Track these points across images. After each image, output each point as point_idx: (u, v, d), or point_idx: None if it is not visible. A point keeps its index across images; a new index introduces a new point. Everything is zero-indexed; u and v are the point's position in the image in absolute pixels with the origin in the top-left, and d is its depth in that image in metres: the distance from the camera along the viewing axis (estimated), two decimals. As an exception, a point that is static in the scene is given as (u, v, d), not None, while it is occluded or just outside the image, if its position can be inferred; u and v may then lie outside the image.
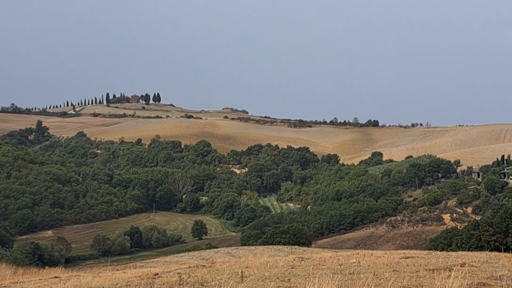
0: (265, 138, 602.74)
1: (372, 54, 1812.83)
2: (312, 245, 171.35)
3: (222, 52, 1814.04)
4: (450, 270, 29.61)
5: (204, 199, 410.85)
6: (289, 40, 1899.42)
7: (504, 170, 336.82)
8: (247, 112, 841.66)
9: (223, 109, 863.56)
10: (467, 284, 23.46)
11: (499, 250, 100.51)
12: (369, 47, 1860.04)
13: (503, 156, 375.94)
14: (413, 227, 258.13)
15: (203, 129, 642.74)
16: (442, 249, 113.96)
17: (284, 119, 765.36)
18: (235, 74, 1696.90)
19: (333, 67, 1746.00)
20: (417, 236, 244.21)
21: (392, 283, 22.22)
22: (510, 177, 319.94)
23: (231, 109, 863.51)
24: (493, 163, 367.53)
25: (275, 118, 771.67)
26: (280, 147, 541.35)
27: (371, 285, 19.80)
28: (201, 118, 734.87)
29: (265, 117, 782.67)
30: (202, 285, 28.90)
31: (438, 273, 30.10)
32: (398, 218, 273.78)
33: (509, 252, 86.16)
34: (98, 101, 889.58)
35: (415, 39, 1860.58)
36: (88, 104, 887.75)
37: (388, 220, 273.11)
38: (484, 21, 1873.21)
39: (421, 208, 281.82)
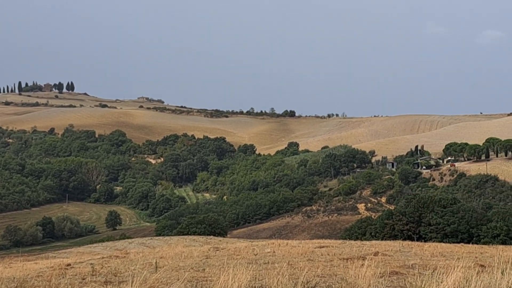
0: (181, 128, 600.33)
1: (286, 44, 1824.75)
2: (228, 235, 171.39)
3: (137, 40, 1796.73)
4: (363, 259, 29.69)
5: (118, 189, 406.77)
6: (202, 29, 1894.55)
7: (417, 160, 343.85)
8: (163, 102, 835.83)
9: (139, 98, 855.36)
10: (379, 273, 23.45)
11: (412, 239, 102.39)
12: (284, 36, 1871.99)
13: (416, 147, 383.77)
14: (328, 217, 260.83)
15: (118, 118, 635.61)
16: (357, 239, 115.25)
17: (201, 109, 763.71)
18: (151, 63, 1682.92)
19: (249, 57, 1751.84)
20: (332, 226, 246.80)
21: (306, 272, 22.04)
22: (424, 167, 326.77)
23: (147, 98, 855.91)
24: (407, 154, 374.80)
25: (191, 108, 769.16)
26: (196, 137, 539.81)
27: (286, 275, 19.52)
28: (116, 108, 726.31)
29: (181, 106, 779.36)
30: (115, 276, 28.24)
31: (351, 262, 30.12)
32: (314, 208, 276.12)
33: (421, 241, 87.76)
34: (10, 89, 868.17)
35: (328, 29, 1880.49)
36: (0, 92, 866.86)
37: (303, 210, 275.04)
38: (402, 14, 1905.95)
39: (336, 198, 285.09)
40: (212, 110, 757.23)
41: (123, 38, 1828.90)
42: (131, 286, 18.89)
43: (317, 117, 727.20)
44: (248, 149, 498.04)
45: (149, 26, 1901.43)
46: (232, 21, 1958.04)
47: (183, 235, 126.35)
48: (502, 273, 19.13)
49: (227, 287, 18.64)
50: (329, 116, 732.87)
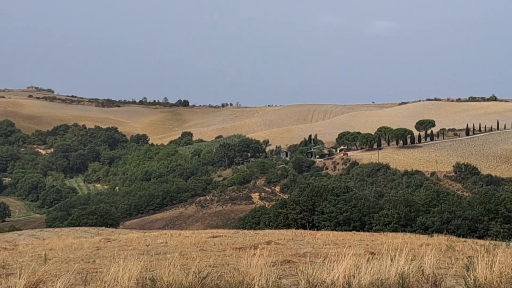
0: (71, 117, 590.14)
1: (180, 32, 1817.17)
2: (120, 226, 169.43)
3: (25, 27, 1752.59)
4: (256, 249, 29.67)
5: (7, 180, 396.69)
6: (90, 16, 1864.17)
7: (311, 149, 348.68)
8: (53, 91, 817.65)
9: (28, 88, 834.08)
10: (272, 262, 23.42)
11: (305, 228, 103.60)
12: (177, 24, 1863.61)
13: (310, 136, 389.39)
14: (222, 207, 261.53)
15: (6, 108, 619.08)
16: (250, 228, 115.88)
17: (92, 99, 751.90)
18: (40, 52, 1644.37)
19: (142, 44, 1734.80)
20: (226, 216, 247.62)
21: (198, 262, 21.82)
22: (317, 156, 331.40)
23: (36, 88, 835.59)
24: (300, 143, 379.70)
25: (82, 98, 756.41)
26: (87, 127, 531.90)
27: (177, 265, 19.20)
28: (4, 97, 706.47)
29: (72, 96, 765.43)
30: (3, 268, 27.37)
31: (244, 251, 30.11)
32: (208, 197, 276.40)
33: (314, 230, 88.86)
34: None
35: (221, 18, 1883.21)
36: None
37: (197, 200, 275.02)
38: (295, 3, 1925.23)
39: (231, 188, 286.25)
40: (104, 99, 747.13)
41: (11, 25, 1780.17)
42: (19, 278, 18.24)
43: (211, 106, 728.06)
44: (141, 139, 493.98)
45: (34, 12, 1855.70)
46: (122, 8, 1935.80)
47: (74, 226, 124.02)
48: (391, 260, 19.33)
49: (117, 278, 18.25)
50: (223, 105, 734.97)
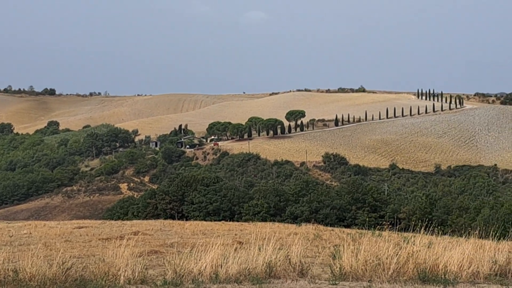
0: None
1: (44, 19, 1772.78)
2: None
3: None
4: (122, 239, 29.22)
5: None
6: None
7: (181, 139, 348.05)
8: None
9: None
10: (138, 252, 23.11)
11: (174, 218, 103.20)
12: (38, 9, 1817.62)
13: (180, 126, 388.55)
14: (90, 197, 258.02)
15: None
16: (118, 218, 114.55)
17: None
18: None
19: (3, 31, 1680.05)
20: (94, 206, 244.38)
21: (63, 253, 21.17)
22: (187, 146, 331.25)
23: None
24: (171, 133, 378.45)
25: None
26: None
27: (40, 256, 18.60)
28: None
29: None
30: None
31: (110, 242, 29.58)
32: (75, 188, 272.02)
33: (184, 220, 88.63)
34: None
35: (85, 4, 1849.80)
36: None
37: (64, 190, 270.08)
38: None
39: (98, 178, 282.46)
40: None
41: None
42: None
43: (79, 95, 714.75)
44: (5, 128, 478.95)
45: None
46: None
47: None
48: (259, 249, 19.38)
49: (-23, 270, 17.54)
50: (91, 94, 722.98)
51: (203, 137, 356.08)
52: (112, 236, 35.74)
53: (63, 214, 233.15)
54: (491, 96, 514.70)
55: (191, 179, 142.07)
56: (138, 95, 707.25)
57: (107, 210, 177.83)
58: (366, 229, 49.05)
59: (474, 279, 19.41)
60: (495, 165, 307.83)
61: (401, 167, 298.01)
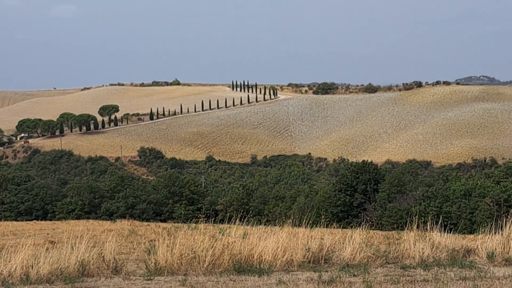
0: None
1: None
2: None
3: None
4: None
5: None
6: None
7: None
8: None
9: None
10: None
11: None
12: None
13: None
14: None
15: None
16: None
17: None
18: None
19: None
20: None
21: None
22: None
23: None
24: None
25: None
26: None
27: None
28: None
29: None
30: None
31: None
32: None
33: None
34: None
35: None
36: None
37: None
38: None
39: None
40: None
41: None
42: None
43: None
44: None
45: None
46: None
47: None
48: (72, 248, 19.07)
49: None
50: None
51: (12, 135, 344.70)
52: None
53: None
54: (304, 86, 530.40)
55: (1, 179, 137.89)
56: None
57: None
58: (182, 223, 49.20)
59: (289, 267, 19.93)
60: (309, 153, 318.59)
61: (217, 159, 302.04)
